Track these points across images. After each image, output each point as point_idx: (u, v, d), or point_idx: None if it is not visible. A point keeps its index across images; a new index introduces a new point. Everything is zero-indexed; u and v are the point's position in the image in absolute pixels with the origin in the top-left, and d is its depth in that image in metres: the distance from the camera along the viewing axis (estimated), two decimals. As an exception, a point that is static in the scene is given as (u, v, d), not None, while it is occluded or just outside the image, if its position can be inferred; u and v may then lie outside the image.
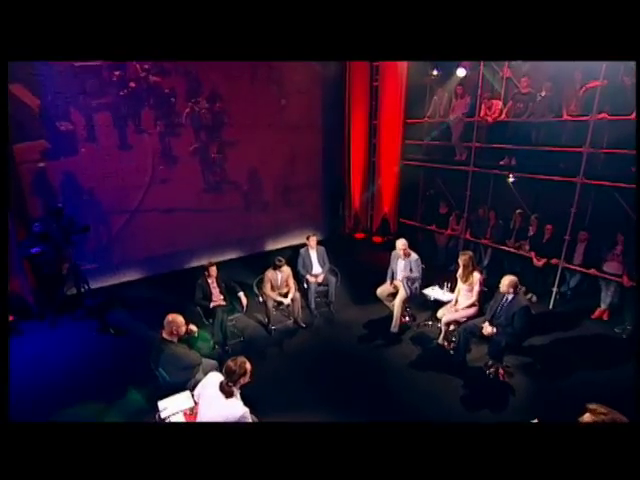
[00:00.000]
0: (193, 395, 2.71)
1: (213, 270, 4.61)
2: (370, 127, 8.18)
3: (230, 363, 2.36)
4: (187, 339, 3.23)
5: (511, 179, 6.56)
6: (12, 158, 4.85)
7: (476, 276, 4.25)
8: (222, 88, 6.54)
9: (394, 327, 4.87)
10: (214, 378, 2.46)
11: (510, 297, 3.78)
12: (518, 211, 6.16)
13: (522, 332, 3.71)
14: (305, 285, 5.38)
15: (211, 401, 2.36)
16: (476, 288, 4.24)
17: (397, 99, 7.46)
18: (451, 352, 4.48)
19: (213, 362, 3.40)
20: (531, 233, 5.83)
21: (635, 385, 3.55)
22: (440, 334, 4.62)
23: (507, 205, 6.48)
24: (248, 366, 2.39)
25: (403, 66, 7.20)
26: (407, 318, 5.21)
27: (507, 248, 6.06)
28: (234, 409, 2.33)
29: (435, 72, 7.36)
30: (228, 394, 2.32)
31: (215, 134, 6.67)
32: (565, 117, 5.13)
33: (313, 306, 5.33)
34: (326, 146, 8.22)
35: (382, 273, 5.18)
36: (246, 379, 2.38)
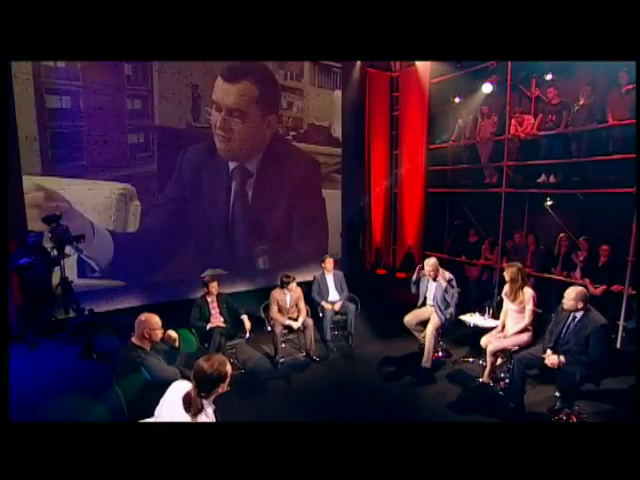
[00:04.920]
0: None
1: (214, 287, 4.03)
2: (391, 157, 7.93)
3: (203, 364, 1.63)
4: (166, 351, 2.56)
5: (549, 202, 5.94)
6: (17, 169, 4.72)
7: (527, 292, 3.43)
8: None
9: (426, 361, 4.01)
10: (178, 388, 1.72)
11: (579, 315, 2.94)
12: (562, 234, 5.41)
13: (602, 360, 2.81)
14: (320, 314, 4.66)
15: (172, 419, 1.63)
16: (528, 307, 3.40)
17: (419, 127, 7.22)
18: (500, 393, 3.56)
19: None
20: (581, 258, 5.03)
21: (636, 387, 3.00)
22: (484, 370, 3.73)
23: (547, 228, 5.77)
24: (228, 368, 1.66)
25: (424, 94, 7.05)
26: (440, 353, 4.34)
27: (553, 277, 5.23)
28: None
29: (457, 99, 7.18)
30: (195, 410, 1.58)
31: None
32: (611, 122, 4.60)
33: (329, 338, 4.57)
34: (345, 177, 7.93)
35: (407, 308, 4.44)
36: (225, 387, 1.65)
